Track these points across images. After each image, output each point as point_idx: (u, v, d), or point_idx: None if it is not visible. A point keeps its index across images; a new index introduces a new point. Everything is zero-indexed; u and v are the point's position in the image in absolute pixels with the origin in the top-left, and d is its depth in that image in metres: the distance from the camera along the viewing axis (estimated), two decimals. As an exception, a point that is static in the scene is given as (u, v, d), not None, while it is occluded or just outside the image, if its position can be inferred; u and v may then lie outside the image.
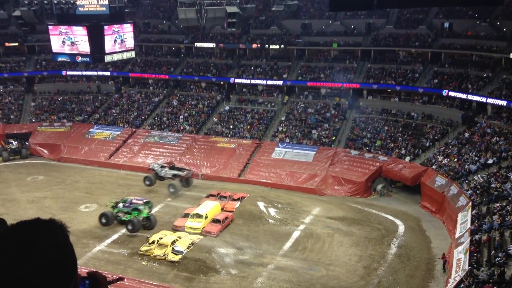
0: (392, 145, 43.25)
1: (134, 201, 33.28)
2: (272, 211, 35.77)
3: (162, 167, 40.42)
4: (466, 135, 40.51)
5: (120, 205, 32.96)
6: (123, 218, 32.20)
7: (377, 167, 40.72)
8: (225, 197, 36.98)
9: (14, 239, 1.78)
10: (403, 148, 42.34)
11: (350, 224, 33.64)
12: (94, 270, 2.08)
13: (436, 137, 42.27)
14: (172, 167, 40.82)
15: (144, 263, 28.58)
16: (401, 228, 33.18)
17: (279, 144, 46.28)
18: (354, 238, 31.44)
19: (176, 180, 39.40)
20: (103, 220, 32.54)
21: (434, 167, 38.08)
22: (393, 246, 30.60)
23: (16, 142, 50.06)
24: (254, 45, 55.79)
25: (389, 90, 48.60)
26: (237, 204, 36.12)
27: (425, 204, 36.71)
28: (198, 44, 58.50)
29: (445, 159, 38.45)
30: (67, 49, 37.58)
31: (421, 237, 32.06)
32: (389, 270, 27.63)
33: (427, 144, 41.94)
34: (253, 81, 54.25)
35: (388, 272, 27.38)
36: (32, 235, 1.80)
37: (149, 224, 32.35)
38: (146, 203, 33.18)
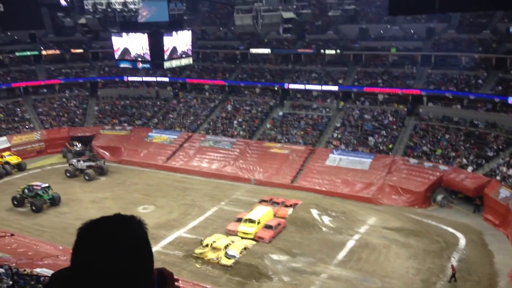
0: (454, 154, 41.51)
1: (34, 187, 38.63)
2: (326, 219, 35.28)
3: (78, 161, 46.64)
4: (535, 145, 38.22)
5: (26, 191, 38.47)
6: (30, 199, 38.09)
7: (437, 176, 39.20)
8: (278, 203, 36.89)
9: (96, 233, 1.83)
10: (464, 158, 40.53)
11: (407, 235, 32.54)
12: (161, 266, 2.09)
13: (500, 147, 40.14)
14: (87, 160, 47.21)
15: (198, 265, 29.02)
16: (462, 241, 31.72)
17: (334, 150, 45.62)
18: (412, 250, 30.38)
19: (90, 170, 45.48)
20: (15, 202, 38.51)
21: (498, 178, 36.20)
22: (453, 259, 29.27)
23: (80, 145, 52.53)
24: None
25: (451, 97, 46.75)
26: (290, 210, 35.92)
27: (488, 217, 34.92)
28: (253, 50, 58.93)
29: (510, 170, 36.42)
30: (128, 56, 39.11)
31: (483, 251, 30.50)
32: (448, 285, 26.45)
33: (491, 154, 39.89)
34: (308, 87, 53.91)
35: (448, 287, 26.21)
36: (113, 229, 1.84)
37: (53, 202, 38.67)
38: (45, 188, 38.63)
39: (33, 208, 37.66)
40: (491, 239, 32.17)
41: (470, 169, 38.96)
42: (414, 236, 32.32)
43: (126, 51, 38.88)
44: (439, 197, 38.41)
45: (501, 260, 29.00)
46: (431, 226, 34.23)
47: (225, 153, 48.91)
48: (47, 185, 39.19)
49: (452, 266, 27.31)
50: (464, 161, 40.16)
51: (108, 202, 39.86)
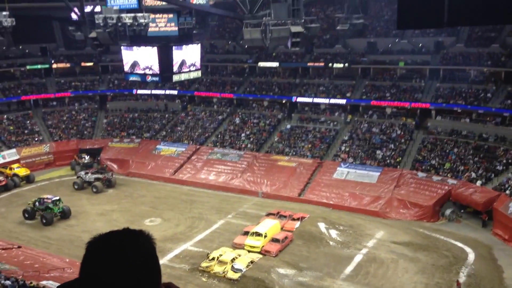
0: (462, 168, 41.19)
1: (45, 200, 38.47)
2: (333, 233, 35.04)
3: (86, 173, 47.03)
4: (545, 159, 37.82)
5: (37, 203, 38.48)
6: (41, 212, 38.23)
7: (445, 190, 38.88)
8: (285, 217, 36.72)
9: (105, 247, 1.86)
10: (473, 172, 40.18)
11: (416, 250, 32.20)
12: (168, 281, 2.10)
13: (510, 161, 39.76)
14: (95, 172, 47.54)
15: (204, 279, 28.86)
16: (471, 256, 31.32)
17: (342, 164, 45.47)
18: (420, 265, 30.03)
19: (98, 182, 45.64)
20: (26, 215, 38.57)
21: (507, 192, 35.80)
22: (462, 275, 28.89)
23: (88, 157, 52.83)
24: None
25: (459, 111, 46.57)
26: (297, 224, 35.73)
27: (498, 232, 34.51)
28: (261, 64, 59.26)
29: (521, 185, 36.04)
30: (137, 69, 39.46)
31: (492, 267, 30.10)
32: (457, 301, 26.08)
33: (500, 168, 39.53)
34: (316, 100, 53.98)
35: (457, 303, 25.85)
36: (122, 243, 1.88)
37: (64, 215, 38.76)
38: (56, 200, 38.45)
39: (44, 221, 37.67)
40: (500, 254, 31.75)
41: (479, 183, 38.61)
42: (423, 251, 31.98)
43: (135, 64, 39.27)
44: (448, 211, 38.05)
45: (511, 275, 28.58)
46: (439, 241, 33.86)
47: (232, 165, 48.92)
48: (57, 198, 39.11)
49: (458, 281, 26.92)
50: (473, 175, 39.82)
51: (115, 215, 39.92)
